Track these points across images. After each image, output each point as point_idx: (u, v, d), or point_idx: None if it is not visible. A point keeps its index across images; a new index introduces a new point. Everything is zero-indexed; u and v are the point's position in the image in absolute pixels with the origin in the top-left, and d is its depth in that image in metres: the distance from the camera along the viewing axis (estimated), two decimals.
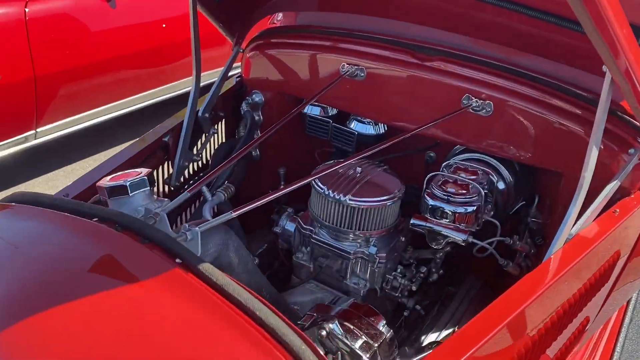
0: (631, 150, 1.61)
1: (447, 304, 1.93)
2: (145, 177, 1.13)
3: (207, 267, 0.88)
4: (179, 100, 5.24)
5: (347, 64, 2.00)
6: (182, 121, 1.87)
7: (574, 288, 1.48)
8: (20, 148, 4.11)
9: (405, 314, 1.79)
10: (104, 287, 0.87)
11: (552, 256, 1.39)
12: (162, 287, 0.87)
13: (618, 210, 1.56)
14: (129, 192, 1.11)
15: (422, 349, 1.58)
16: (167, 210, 1.05)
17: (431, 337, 1.74)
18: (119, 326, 0.84)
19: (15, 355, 0.81)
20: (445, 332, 1.78)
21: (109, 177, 1.16)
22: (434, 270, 1.85)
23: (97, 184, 1.15)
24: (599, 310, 1.87)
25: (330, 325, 1.29)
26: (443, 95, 1.89)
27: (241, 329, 0.83)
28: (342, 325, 1.32)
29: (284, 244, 1.92)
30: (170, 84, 5.00)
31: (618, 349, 2.91)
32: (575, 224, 1.47)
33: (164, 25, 4.78)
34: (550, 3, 1.61)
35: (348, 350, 1.28)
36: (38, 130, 4.16)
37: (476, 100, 1.82)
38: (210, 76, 4.85)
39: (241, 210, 1.12)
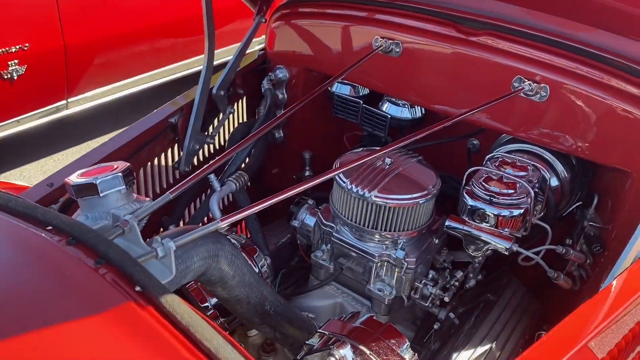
0: None
1: (485, 314, 1.70)
2: (120, 174, 0.95)
3: (171, 301, 0.70)
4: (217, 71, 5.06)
5: (381, 37, 1.76)
6: (194, 99, 1.68)
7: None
8: (51, 118, 4.05)
9: (435, 327, 1.57)
10: (36, 320, 0.70)
11: (615, 280, 1.15)
12: (109, 325, 0.69)
13: None
14: (99, 191, 0.93)
15: None
16: (143, 216, 0.87)
17: (465, 355, 1.53)
18: None
19: None
20: (481, 349, 1.56)
21: (80, 172, 0.98)
22: (471, 275, 1.62)
23: (65, 180, 0.97)
24: None
25: (342, 351, 1.10)
26: (490, 77, 1.64)
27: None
28: (355, 349, 1.12)
29: (302, 239, 1.72)
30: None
31: None
32: None
33: None
34: None
35: None
36: (69, 100, 4.09)
37: (529, 83, 1.55)
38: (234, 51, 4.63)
39: (233, 218, 0.93)
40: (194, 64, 4.77)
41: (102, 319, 0.70)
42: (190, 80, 4.70)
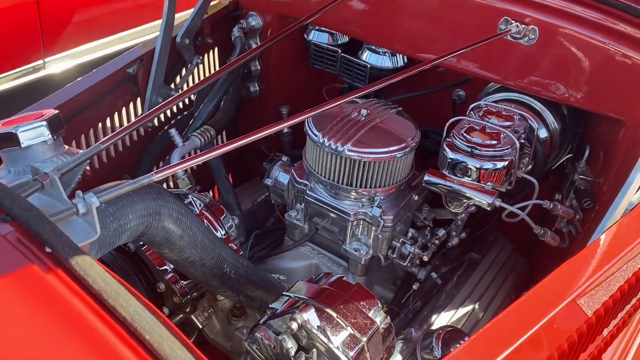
0: None
1: (469, 274, 1.62)
2: (45, 123, 0.84)
3: (82, 263, 0.60)
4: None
5: None
6: (154, 48, 1.56)
7: (631, 270, 1.15)
8: (29, 79, 3.90)
9: (414, 287, 1.49)
10: None
11: (604, 234, 1.06)
12: (9, 290, 0.60)
13: None
14: (20, 142, 0.82)
15: (430, 333, 1.29)
16: (67, 169, 0.77)
17: (445, 316, 1.45)
18: None
19: None
20: (462, 310, 1.48)
21: (3, 121, 0.88)
22: (454, 233, 1.53)
23: None
24: None
25: (305, 314, 1.01)
26: (476, 19, 1.51)
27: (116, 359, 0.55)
28: (321, 313, 1.04)
29: (277, 199, 1.63)
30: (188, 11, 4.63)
31: None
32: (639, 189, 1.12)
33: None
34: None
35: (326, 348, 1.00)
36: (46, 60, 3.93)
37: (517, 25, 1.43)
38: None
39: (169, 171, 0.82)
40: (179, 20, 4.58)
41: (3, 283, 0.61)
42: None
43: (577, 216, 1.46)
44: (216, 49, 1.90)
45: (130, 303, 0.58)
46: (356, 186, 1.41)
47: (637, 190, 1.10)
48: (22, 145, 0.83)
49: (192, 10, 1.69)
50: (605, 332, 1.30)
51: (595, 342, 1.23)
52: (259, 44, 1.88)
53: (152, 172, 0.80)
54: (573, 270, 1.02)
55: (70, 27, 3.96)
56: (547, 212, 1.46)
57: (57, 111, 0.90)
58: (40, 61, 3.89)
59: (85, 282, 0.59)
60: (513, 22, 1.43)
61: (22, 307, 0.60)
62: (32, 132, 0.84)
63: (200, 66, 1.80)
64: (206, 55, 1.85)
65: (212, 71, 1.90)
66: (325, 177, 1.43)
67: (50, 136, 0.85)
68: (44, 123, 0.85)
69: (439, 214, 1.55)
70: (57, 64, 4.05)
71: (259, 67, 1.92)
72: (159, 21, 4.70)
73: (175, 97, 1.19)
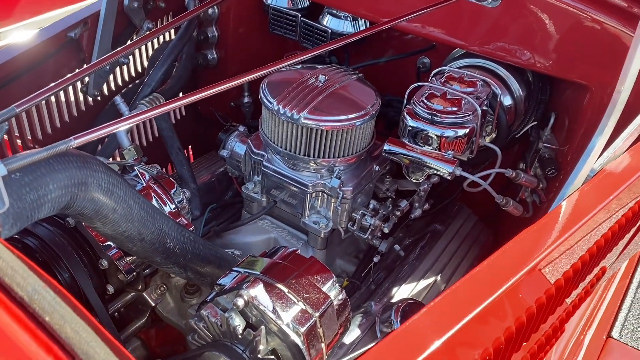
0: None
1: (432, 245, 1.58)
2: None
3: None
4: None
5: None
6: (99, 11, 1.46)
7: (593, 239, 1.12)
8: None
9: (375, 260, 1.45)
10: None
11: (565, 200, 1.02)
12: None
13: None
14: None
15: (390, 306, 1.26)
16: None
17: (406, 289, 1.41)
18: None
19: None
20: (424, 282, 1.45)
21: None
22: (417, 205, 1.49)
23: None
24: (617, 257, 1.52)
25: (252, 290, 0.96)
26: None
27: (12, 344, 0.49)
28: (271, 288, 0.98)
29: (234, 171, 1.56)
30: None
31: (633, 285, 2.63)
32: (600, 155, 1.09)
33: None
34: None
35: (275, 325, 0.95)
36: None
37: None
38: None
39: (91, 135, 0.75)
40: None
41: None
42: None
43: (541, 185, 1.43)
44: (170, 15, 1.80)
45: (29, 282, 0.51)
46: (314, 156, 1.34)
47: (598, 157, 1.07)
48: None
49: None
50: (568, 301, 1.28)
51: (557, 312, 1.21)
52: (216, 11, 1.79)
53: (71, 138, 0.73)
54: (532, 239, 0.99)
55: None
56: (511, 182, 1.43)
57: None
58: None
59: None
60: None
61: None
62: None
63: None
64: (159, 21, 1.75)
65: (166, 39, 1.81)
66: (282, 148, 1.36)
67: None
68: None
69: (402, 185, 1.51)
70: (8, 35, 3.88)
71: (216, 34, 1.82)
72: None
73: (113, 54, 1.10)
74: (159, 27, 1.67)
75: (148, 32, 1.64)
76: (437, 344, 0.77)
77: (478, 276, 0.91)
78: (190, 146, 2.02)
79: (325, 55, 1.76)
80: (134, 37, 1.63)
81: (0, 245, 0.54)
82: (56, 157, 0.77)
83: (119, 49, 1.07)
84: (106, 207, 0.87)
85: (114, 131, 0.79)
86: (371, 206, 1.43)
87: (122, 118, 0.83)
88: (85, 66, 1.39)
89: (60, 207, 0.79)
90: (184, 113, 1.95)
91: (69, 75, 0.96)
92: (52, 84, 0.90)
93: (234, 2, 1.78)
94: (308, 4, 1.76)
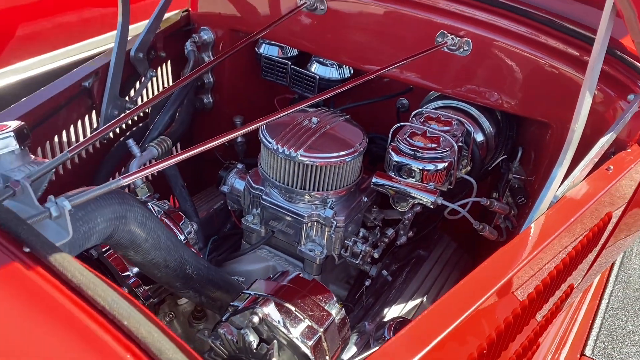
0: (630, 97, 1.37)
1: (416, 269, 1.73)
2: (12, 133, 0.89)
3: (60, 260, 0.66)
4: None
5: None
6: (109, 62, 1.60)
7: (559, 258, 1.27)
8: None
9: (366, 283, 1.58)
10: None
11: (533, 223, 1.18)
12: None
13: (612, 167, 1.34)
14: None
15: (382, 325, 1.38)
16: (37, 177, 0.81)
17: (396, 309, 1.55)
18: None
19: None
20: (412, 303, 1.59)
21: None
22: (402, 232, 1.63)
23: None
24: (585, 276, 1.68)
25: (265, 308, 1.08)
26: (416, 33, 1.63)
27: (98, 344, 0.61)
28: (280, 307, 1.11)
29: (233, 204, 1.69)
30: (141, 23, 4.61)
31: (603, 306, 2.78)
32: (562, 184, 1.25)
33: None
34: None
35: (286, 339, 1.08)
36: None
37: (452, 37, 1.55)
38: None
39: (135, 176, 0.88)
40: (132, 33, 4.56)
41: None
42: None
43: (513, 212, 1.60)
44: (169, 62, 1.95)
45: (108, 293, 0.63)
46: (309, 189, 1.49)
47: (559, 186, 1.23)
48: None
49: (145, 22, 1.74)
50: (540, 317, 1.43)
51: (531, 325, 1.35)
52: (212, 57, 1.95)
53: (120, 177, 0.86)
54: (503, 259, 1.12)
55: (14, 42, 3.88)
56: (486, 209, 1.59)
57: (23, 122, 0.94)
58: None
59: (65, 276, 0.65)
60: (449, 35, 1.56)
61: (7, 303, 0.64)
62: (0, 143, 0.88)
63: (154, 79, 1.85)
64: (160, 69, 1.90)
65: (166, 84, 1.95)
66: (279, 182, 1.50)
67: (17, 146, 0.90)
68: (11, 134, 0.89)
69: (388, 215, 1.65)
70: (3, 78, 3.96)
71: (212, 80, 1.98)
72: (103, 35, 4.62)
73: (134, 110, 1.25)
74: (164, 76, 1.82)
75: (151, 78, 1.79)
76: None
77: (456, 294, 1.04)
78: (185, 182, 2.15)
79: (311, 95, 1.92)
80: (138, 84, 1.77)
81: (80, 265, 0.66)
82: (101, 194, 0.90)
83: (138, 105, 1.21)
84: (140, 237, 0.99)
85: (152, 172, 0.92)
86: (361, 234, 1.57)
87: (156, 162, 0.97)
88: (102, 112, 1.53)
89: (104, 237, 0.91)
90: (172, 149, 2.08)
91: (102, 125, 1.09)
92: (98, 130, 1.03)
93: (226, 41, 1.94)
94: (296, 52, 1.93)
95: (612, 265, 2.86)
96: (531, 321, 1.33)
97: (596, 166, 1.33)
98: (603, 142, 1.30)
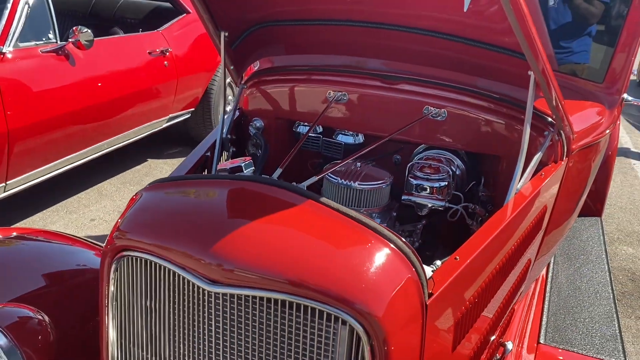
0: (546, 133, 2.34)
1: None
2: (251, 160, 1.65)
3: (326, 200, 1.43)
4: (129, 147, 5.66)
5: (332, 91, 2.63)
6: (215, 140, 2.39)
7: (522, 228, 2.14)
8: None
9: None
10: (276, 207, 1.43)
11: (507, 202, 2.05)
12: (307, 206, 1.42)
13: (543, 173, 2.27)
14: (243, 170, 1.61)
15: None
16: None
17: None
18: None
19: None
20: None
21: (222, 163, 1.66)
22: (415, 239, 2.46)
23: (219, 166, 1.65)
24: (537, 253, 2.56)
25: None
26: (408, 109, 2.55)
27: (356, 227, 1.39)
28: None
29: None
30: (120, 135, 5.32)
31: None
32: (519, 183, 2.16)
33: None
34: (488, 34, 2.29)
35: None
36: (7, 183, 4.36)
37: (434, 109, 2.50)
38: (153, 126, 5.40)
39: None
40: (106, 145, 5.24)
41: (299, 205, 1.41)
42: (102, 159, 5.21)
43: (487, 214, 2.48)
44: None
45: (349, 212, 1.41)
46: (362, 207, 2.30)
47: (519, 181, 2.12)
48: (244, 172, 1.62)
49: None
50: (513, 276, 2.26)
51: (507, 282, 2.16)
52: (261, 137, 2.78)
53: None
54: (477, 239, 1.89)
55: (31, 153, 4.47)
56: (469, 214, 2.46)
57: (250, 157, 1.70)
58: (2, 184, 4.32)
59: (332, 205, 1.41)
60: (432, 108, 2.50)
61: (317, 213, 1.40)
62: (247, 165, 1.64)
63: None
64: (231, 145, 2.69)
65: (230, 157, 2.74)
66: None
67: (253, 167, 1.66)
68: (251, 160, 1.66)
69: (406, 227, 2.48)
70: (17, 185, 4.48)
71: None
72: (107, 140, 5.27)
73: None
74: None
75: None
76: None
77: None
78: None
79: (339, 156, 2.76)
80: (225, 156, 2.55)
81: (374, 222, 1.44)
82: None
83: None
84: None
85: None
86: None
87: None
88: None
89: None
90: None
91: None
92: None
93: (273, 133, 2.78)
94: (321, 129, 2.81)
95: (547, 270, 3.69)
96: (507, 279, 2.13)
97: (534, 175, 2.26)
98: (536, 159, 2.24)
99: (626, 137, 8.83)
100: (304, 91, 2.72)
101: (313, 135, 2.77)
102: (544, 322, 3.36)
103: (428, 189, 2.32)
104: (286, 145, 2.84)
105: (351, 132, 2.75)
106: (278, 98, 2.76)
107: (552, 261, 3.89)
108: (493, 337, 2.24)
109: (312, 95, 2.69)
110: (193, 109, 6.21)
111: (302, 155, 2.86)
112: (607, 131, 2.78)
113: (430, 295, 1.43)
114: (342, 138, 2.75)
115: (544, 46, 3.04)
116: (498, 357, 2.35)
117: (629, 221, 5.83)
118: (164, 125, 5.89)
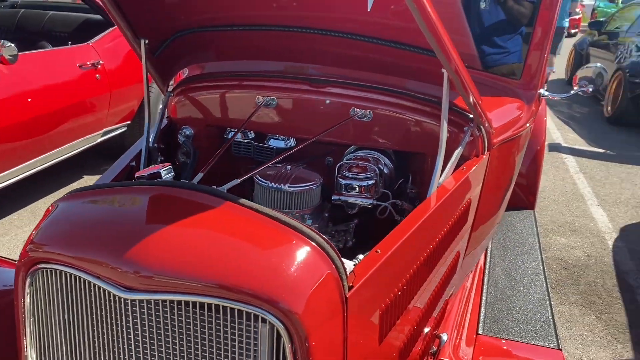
0: (465, 128, 2.43)
1: None
2: (170, 166, 1.64)
3: (244, 201, 1.43)
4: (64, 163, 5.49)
5: (261, 96, 2.64)
6: (140, 150, 2.36)
7: (446, 221, 2.21)
8: None
9: None
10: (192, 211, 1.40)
11: (429, 196, 2.11)
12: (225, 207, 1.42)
13: (465, 167, 2.36)
14: (162, 176, 1.60)
15: None
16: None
17: None
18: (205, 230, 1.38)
19: None
20: None
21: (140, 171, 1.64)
22: (349, 238, 2.49)
23: (136, 174, 1.62)
24: (467, 248, 2.65)
25: None
26: (336, 111, 2.60)
27: (275, 226, 1.40)
28: None
29: None
30: (53, 151, 5.17)
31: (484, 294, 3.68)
32: (440, 177, 2.23)
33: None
34: (406, 35, 2.36)
35: None
36: None
37: (360, 111, 2.55)
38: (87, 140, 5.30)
39: None
40: (38, 164, 5.08)
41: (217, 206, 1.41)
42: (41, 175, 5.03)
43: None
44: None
45: (268, 212, 1.42)
46: (293, 209, 2.32)
47: (439, 177, 2.19)
48: (163, 178, 1.61)
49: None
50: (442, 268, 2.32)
51: (435, 275, 2.24)
52: (191, 145, 2.76)
53: None
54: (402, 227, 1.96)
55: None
56: (398, 211, 2.52)
57: (169, 163, 1.69)
58: None
59: (251, 206, 1.42)
60: (358, 110, 2.56)
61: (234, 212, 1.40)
62: (167, 171, 1.63)
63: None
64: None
65: None
66: (271, 207, 2.31)
67: (173, 173, 1.65)
68: (170, 166, 1.65)
69: (339, 227, 2.51)
70: None
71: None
72: (40, 157, 5.11)
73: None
74: None
75: None
76: None
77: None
78: None
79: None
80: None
81: (293, 220, 1.45)
82: None
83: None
84: None
85: None
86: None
87: None
88: None
89: None
90: None
91: None
92: None
93: (204, 141, 2.76)
94: (254, 135, 2.82)
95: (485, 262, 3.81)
96: (436, 271, 2.20)
97: (455, 169, 2.34)
98: (457, 154, 2.32)
99: (557, 132, 9.24)
100: (233, 97, 2.73)
101: (245, 141, 2.78)
102: (482, 314, 3.47)
103: (357, 188, 2.36)
104: (216, 150, 2.83)
105: (282, 137, 2.76)
106: (207, 105, 2.75)
107: (489, 254, 4.02)
108: (427, 330, 2.30)
109: (242, 101, 2.69)
110: (129, 122, 6.09)
111: (235, 161, 2.86)
112: (528, 125, 2.91)
113: (350, 288, 1.45)
114: (273, 143, 2.76)
115: (465, 46, 3.18)
116: (435, 349, 2.41)
117: (561, 212, 6.10)
118: (99, 140, 5.74)
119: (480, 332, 3.08)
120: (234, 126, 2.75)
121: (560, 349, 2.91)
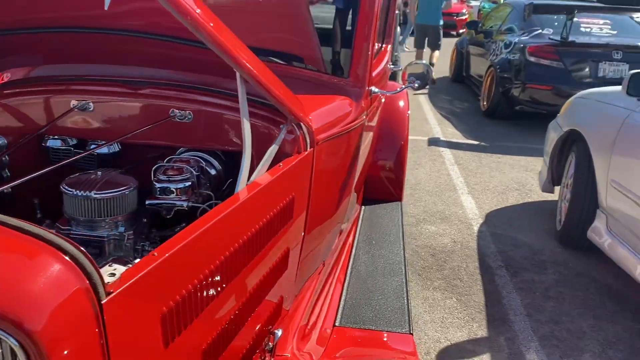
0: (282, 126, 2.45)
1: None
2: None
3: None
4: None
5: (76, 100, 2.53)
6: None
7: (258, 217, 2.19)
8: None
9: None
10: None
11: (236, 192, 2.10)
12: None
13: (282, 164, 2.37)
14: None
15: None
16: None
17: None
18: None
19: None
20: None
21: None
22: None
23: None
24: (302, 245, 2.66)
25: None
26: (156, 113, 2.54)
27: (18, 237, 1.32)
28: None
29: None
30: None
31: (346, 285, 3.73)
32: (249, 178, 2.21)
33: None
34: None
35: None
36: None
37: (179, 112, 2.51)
38: None
39: None
40: None
41: None
42: None
43: None
44: None
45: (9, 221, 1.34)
46: (105, 217, 2.22)
47: (247, 179, 2.19)
48: None
49: None
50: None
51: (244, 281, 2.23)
52: (7, 157, 2.59)
53: None
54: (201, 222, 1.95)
55: None
56: None
57: None
58: None
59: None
60: (177, 110, 2.51)
61: None
62: None
63: None
64: None
65: None
66: (83, 217, 2.21)
67: None
68: None
69: (164, 232, 2.45)
70: None
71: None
72: None
73: None
74: None
75: None
76: None
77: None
78: None
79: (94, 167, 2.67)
80: None
81: (29, 224, 1.36)
82: None
83: None
84: None
85: None
86: (147, 245, 2.34)
87: None
88: None
89: None
90: None
91: None
92: None
93: (20, 151, 2.60)
94: (76, 141, 2.69)
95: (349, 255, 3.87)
96: (254, 270, 2.19)
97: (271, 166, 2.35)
98: (271, 151, 2.33)
99: (437, 127, 9.67)
100: (47, 103, 2.59)
101: (64, 148, 2.65)
102: (341, 306, 3.53)
103: (174, 191, 2.32)
104: (37, 162, 2.68)
105: (103, 141, 2.66)
106: (21, 112, 2.60)
107: (355, 246, 4.09)
108: (258, 326, 2.30)
109: (56, 107, 2.57)
110: None
111: (56, 170, 2.71)
112: (357, 121, 2.99)
113: (109, 294, 1.40)
114: (97, 149, 2.65)
115: (305, 48, 3.21)
116: (271, 345, 2.41)
117: (433, 203, 6.37)
118: None
119: (337, 323, 3.12)
120: (52, 133, 2.62)
121: (411, 334, 3.01)
